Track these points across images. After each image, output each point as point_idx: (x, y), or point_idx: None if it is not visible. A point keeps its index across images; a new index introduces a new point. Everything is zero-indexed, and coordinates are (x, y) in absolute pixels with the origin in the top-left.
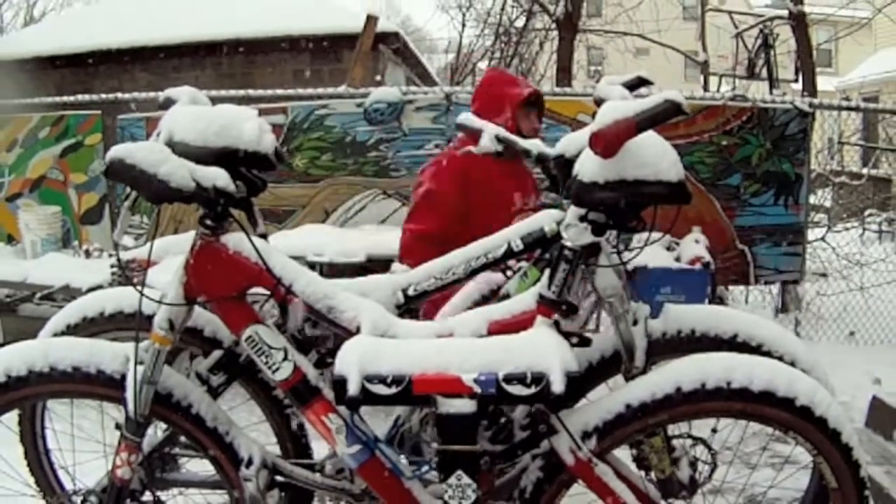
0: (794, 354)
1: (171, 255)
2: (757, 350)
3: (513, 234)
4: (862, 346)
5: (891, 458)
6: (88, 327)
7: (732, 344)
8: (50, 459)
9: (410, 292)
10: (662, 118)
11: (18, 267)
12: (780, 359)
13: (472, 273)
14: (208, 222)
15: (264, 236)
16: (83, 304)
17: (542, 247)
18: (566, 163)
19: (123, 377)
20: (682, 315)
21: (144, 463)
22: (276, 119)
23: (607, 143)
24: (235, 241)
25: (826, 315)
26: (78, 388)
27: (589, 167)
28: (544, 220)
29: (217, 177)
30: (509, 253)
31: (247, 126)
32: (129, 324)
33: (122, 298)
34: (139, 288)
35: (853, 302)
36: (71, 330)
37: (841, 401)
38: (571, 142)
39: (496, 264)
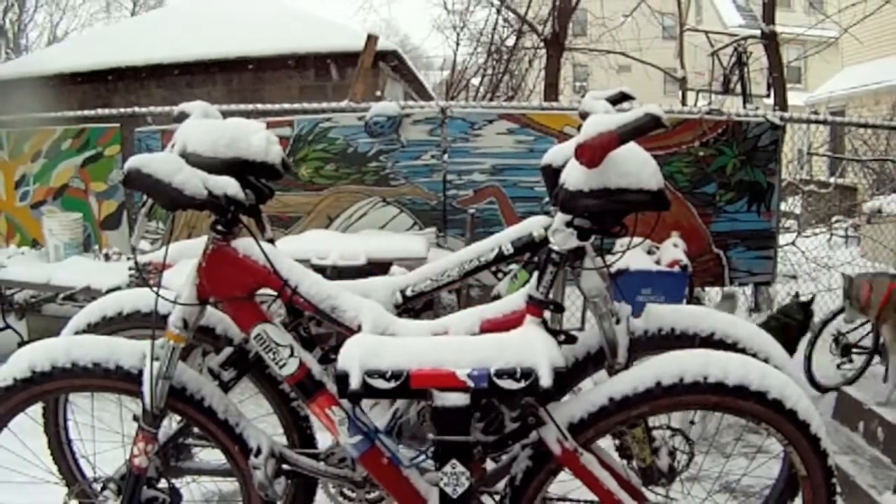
0: (768, 352)
1: (184, 259)
2: (733, 347)
3: (504, 238)
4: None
5: (856, 448)
6: (108, 326)
7: (710, 341)
8: (72, 449)
9: (408, 293)
10: (643, 130)
11: (42, 269)
12: (755, 356)
13: (466, 275)
14: (219, 228)
15: (272, 241)
16: (103, 304)
17: (530, 250)
18: (553, 172)
19: (140, 372)
20: (663, 314)
21: (160, 452)
22: (282, 131)
23: (592, 153)
24: (245, 245)
25: None
26: (98, 383)
27: (574, 176)
28: (533, 225)
29: (227, 185)
30: (500, 256)
31: (255, 138)
32: (146, 322)
33: (140, 299)
34: (155, 289)
35: (821, 302)
36: (91, 328)
37: (810, 394)
38: (558, 153)
39: (488, 267)
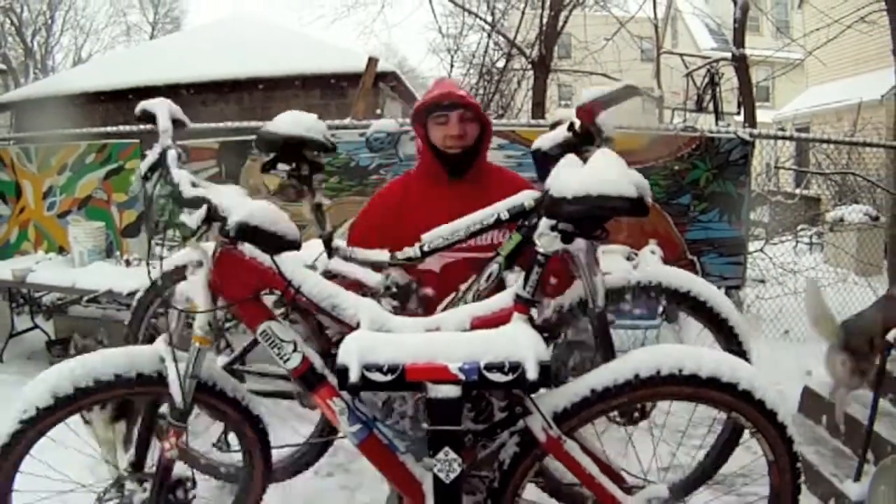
0: (728, 313)
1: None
2: (703, 304)
3: (501, 207)
4: (795, 343)
5: (819, 440)
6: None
7: (687, 297)
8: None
9: (426, 248)
10: (622, 97)
11: (68, 274)
12: (719, 314)
13: (471, 235)
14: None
15: None
16: None
17: (523, 217)
18: (543, 155)
19: (161, 375)
20: (653, 272)
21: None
22: None
23: (586, 112)
24: (251, 248)
25: (764, 316)
26: (123, 392)
27: (559, 183)
28: (525, 197)
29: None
30: (498, 221)
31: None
32: None
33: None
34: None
35: (788, 305)
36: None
37: (777, 389)
38: (545, 139)
39: (489, 229)
